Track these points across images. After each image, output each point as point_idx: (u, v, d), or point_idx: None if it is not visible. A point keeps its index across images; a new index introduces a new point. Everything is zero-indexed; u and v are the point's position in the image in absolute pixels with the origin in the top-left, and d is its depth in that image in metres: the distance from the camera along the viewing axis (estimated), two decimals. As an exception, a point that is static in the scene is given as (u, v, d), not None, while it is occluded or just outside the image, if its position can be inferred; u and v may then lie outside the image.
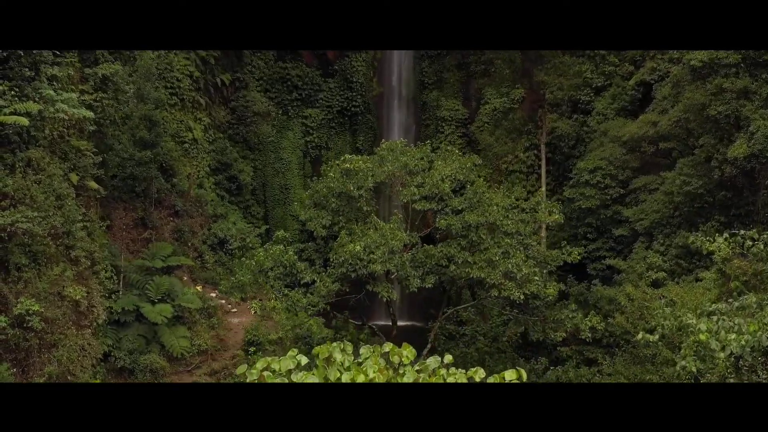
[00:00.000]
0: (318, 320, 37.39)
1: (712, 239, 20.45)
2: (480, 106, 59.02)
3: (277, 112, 59.83)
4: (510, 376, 9.28)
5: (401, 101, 62.85)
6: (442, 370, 9.01)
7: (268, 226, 55.83)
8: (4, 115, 29.02)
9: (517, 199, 33.86)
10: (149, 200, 43.30)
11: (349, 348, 8.90)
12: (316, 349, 9.17)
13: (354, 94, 61.17)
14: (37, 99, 30.54)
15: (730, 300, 19.39)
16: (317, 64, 61.70)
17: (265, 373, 9.50)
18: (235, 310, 43.10)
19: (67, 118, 32.11)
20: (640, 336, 17.66)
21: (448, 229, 29.94)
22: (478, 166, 36.49)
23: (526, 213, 32.34)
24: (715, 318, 15.64)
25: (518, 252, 29.73)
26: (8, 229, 28.78)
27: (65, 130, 33.85)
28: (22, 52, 30.14)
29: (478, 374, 9.05)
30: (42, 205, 30.40)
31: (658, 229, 39.83)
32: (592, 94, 52.19)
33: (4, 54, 29.70)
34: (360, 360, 9.06)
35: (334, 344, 8.78)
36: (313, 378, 8.90)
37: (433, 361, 8.98)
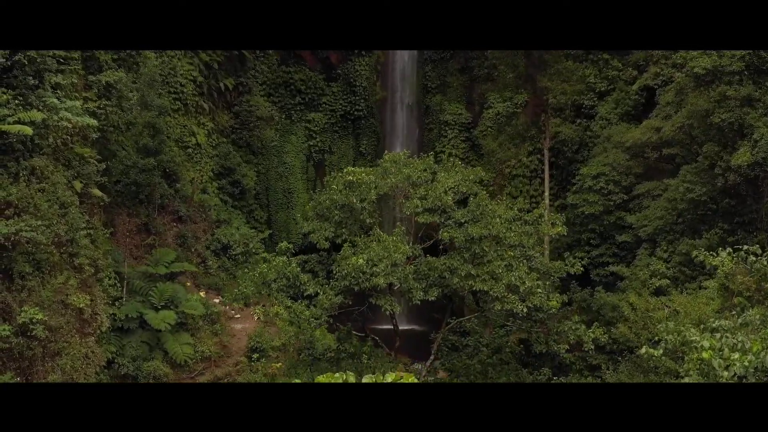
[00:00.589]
0: (322, 328, 37.47)
1: (715, 254, 20.43)
2: (483, 111, 58.96)
3: (281, 117, 59.88)
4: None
5: (404, 105, 62.85)
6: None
7: (271, 231, 55.91)
8: (8, 124, 29.08)
9: (520, 211, 33.81)
10: (152, 206, 43.38)
11: (352, 378, 8.91)
12: (319, 378, 9.18)
13: (357, 98, 61.19)
14: (40, 107, 30.59)
15: (734, 312, 19.41)
16: (320, 68, 61.72)
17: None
18: (238, 315, 43.16)
19: (70, 126, 32.16)
20: (643, 350, 17.67)
21: (452, 241, 29.92)
22: (481, 167, 36.46)
23: (529, 225, 32.33)
24: (718, 335, 15.63)
25: (521, 264, 29.72)
26: (12, 238, 28.83)
27: (69, 137, 33.90)
28: (26, 61, 30.19)
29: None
30: (46, 214, 30.46)
31: (661, 236, 39.78)
32: (595, 99, 52.13)
33: (8, 63, 29.74)
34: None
35: (337, 375, 8.79)
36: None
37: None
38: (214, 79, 54.29)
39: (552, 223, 32.67)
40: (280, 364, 37.93)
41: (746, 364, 13.70)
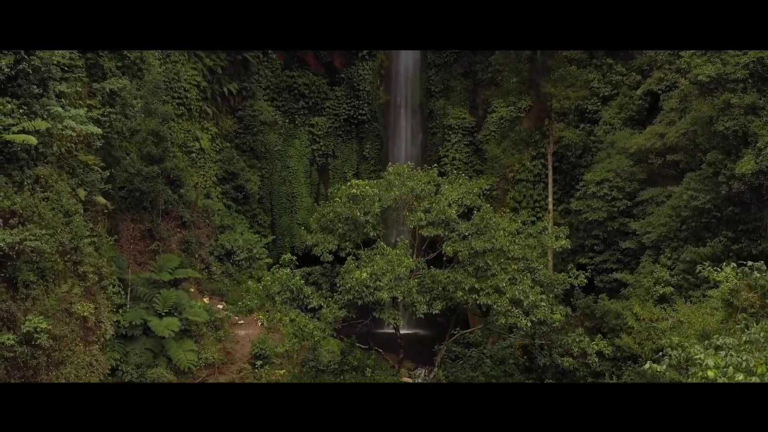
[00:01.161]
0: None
1: (719, 268, 20.39)
2: (487, 115, 58.97)
3: (284, 121, 59.96)
4: None
5: (408, 109, 62.88)
6: None
7: (275, 236, 55.98)
8: (13, 133, 29.14)
9: (524, 223, 33.80)
10: (156, 212, 43.43)
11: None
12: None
13: (361, 102, 61.25)
14: (45, 116, 30.63)
15: (738, 326, 19.38)
16: (324, 72, 61.81)
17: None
18: (242, 321, 43.18)
19: (74, 134, 32.22)
20: (647, 366, 17.66)
21: (455, 254, 29.95)
22: (484, 178, 36.47)
23: (533, 238, 32.32)
24: (723, 353, 15.62)
25: (525, 278, 29.74)
26: (16, 247, 28.87)
27: (73, 145, 33.97)
28: (30, 69, 30.22)
29: None
30: (50, 222, 30.50)
31: (665, 243, 39.73)
32: (599, 104, 52.11)
33: (13, 72, 29.79)
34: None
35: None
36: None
37: None
38: (218, 83, 54.38)
39: (556, 236, 32.65)
40: (283, 371, 37.96)
41: (751, 385, 13.68)
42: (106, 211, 36.85)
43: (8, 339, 28.53)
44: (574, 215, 46.91)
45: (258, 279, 46.67)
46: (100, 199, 35.54)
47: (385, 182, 31.49)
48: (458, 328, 35.75)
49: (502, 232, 30.10)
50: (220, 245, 47.75)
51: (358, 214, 29.90)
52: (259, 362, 39.01)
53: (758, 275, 18.45)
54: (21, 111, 29.82)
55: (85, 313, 31.65)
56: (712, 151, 36.69)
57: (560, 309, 30.95)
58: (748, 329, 17.24)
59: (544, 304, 29.25)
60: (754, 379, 13.88)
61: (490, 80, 57.56)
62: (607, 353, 31.46)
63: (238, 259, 47.61)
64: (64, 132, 31.33)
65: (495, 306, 28.70)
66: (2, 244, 27.91)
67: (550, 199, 49.06)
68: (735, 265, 19.74)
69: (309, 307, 29.79)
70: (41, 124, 29.90)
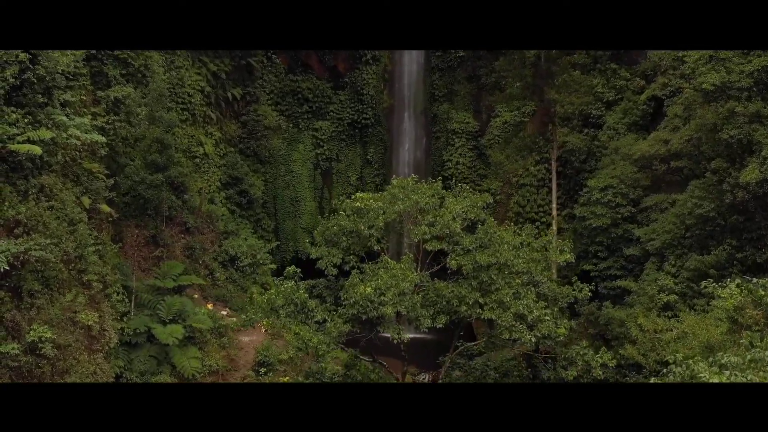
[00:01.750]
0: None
1: (724, 283, 20.36)
2: (491, 119, 58.91)
3: (288, 125, 59.99)
4: None
5: (411, 113, 62.84)
6: None
7: (279, 242, 56.03)
8: (18, 143, 29.20)
9: (528, 236, 33.75)
10: (160, 218, 43.47)
11: None
12: None
13: (364, 106, 61.26)
14: (49, 125, 30.70)
15: (743, 341, 19.34)
16: (328, 76, 61.82)
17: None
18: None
19: (79, 143, 32.29)
20: (651, 381, 17.68)
21: (460, 268, 29.96)
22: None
23: (537, 252, 32.29)
24: (727, 373, 15.63)
25: (529, 292, 29.73)
26: (21, 257, 28.95)
27: (78, 153, 34.04)
28: (35, 79, 30.27)
29: None
30: (55, 232, 30.58)
31: (669, 250, 39.64)
32: (603, 109, 52.05)
33: (18, 82, 29.83)
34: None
35: None
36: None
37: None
38: (222, 88, 54.42)
39: (560, 250, 32.62)
40: (287, 378, 37.99)
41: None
42: (110, 218, 36.90)
43: (13, 348, 28.65)
44: (578, 221, 46.86)
45: (262, 284, 46.81)
46: (105, 207, 35.61)
47: (389, 195, 31.46)
48: (462, 341, 35.75)
49: (506, 246, 30.09)
50: (224, 251, 47.78)
51: (362, 227, 29.91)
52: (262, 369, 39.05)
53: (763, 292, 18.42)
54: (26, 120, 29.90)
55: (90, 322, 31.74)
56: (717, 158, 36.61)
57: (564, 323, 30.91)
58: (753, 347, 17.23)
59: (549, 318, 29.26)
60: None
61: (494, 85, 57.47)
62: (612, 366, 31.45)
63: (242, 264, 47.62)
64: (68, 141, 31.42)
65: (499, 320, 28.70)
66: (7, 255, 27.98)
67: (553, 205, 49.00)
68: (740, 281, 19.71)
69: (314, 320, 29.79)
70: (46, 134, 29.96)
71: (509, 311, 28.75)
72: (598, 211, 44.80)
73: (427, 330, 29.18)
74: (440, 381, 31.87)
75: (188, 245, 45.23)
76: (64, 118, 31.37)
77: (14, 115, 29.65)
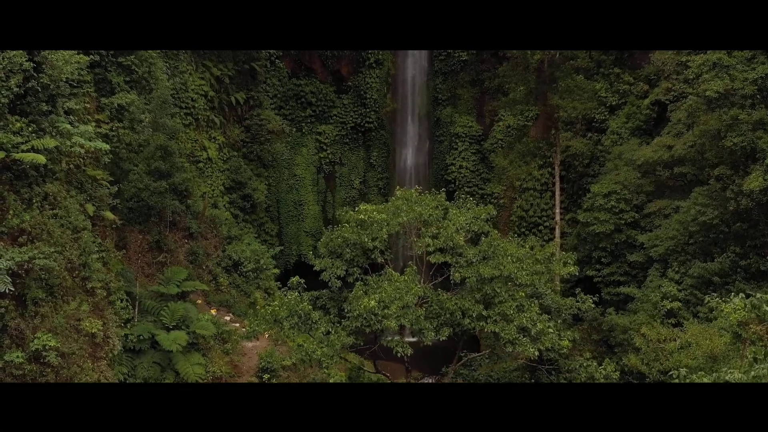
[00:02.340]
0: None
1: (728, 298, 20.35)
2: (494, 123, 58.95)
3: (291, 129, 60.06)
4: None
5: (415, 117, 62.93)
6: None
7: (282, 247, 56.07)
8: (22, 152, 29.23)
9: (531, 248, 33.78)
10: (164, 223, 43.53)
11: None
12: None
13: (368, 110, 61.33)
14: (53, 133, 30.71)
15: (746, 360, 19.34)
16: (331, 80, 61.89)
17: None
18: (249, 332, 43.14)
19: (83, 151, 32.32)
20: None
21: (463, 280, 29.99)
22: (491, 182, 36.48)
23: (541, 264, 32.31)
24: (730, 390, 15.62)
25: (533, 305, 29.76)
26: (25, 266, 28.99)
27: (81, 160, 34.08)
28: (39, 87, 30.31)
29: None
30: (59, 239, 30.59)
31: (672, 257, 39.65)
32: (606, 113, 52.08)
33: (22, 90, 29.87)
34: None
35: None
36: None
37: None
38: (225, 93, 54.49)
39: (564, 263, 32.64)
40: (290, 384, 37.99)
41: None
42: (114, 225, 36.93)
43: (17, 357, 28.64)
44: (581, 227, 46.87)
45: (265, 290, 46.78)
46: (109, 215, 35.61)
47: (393, 207, 31.48)
48: (465, 350, 35.79)
49: (509, 258, 30.10)
50: (227, 256, 47.80)
51: (366, 239, 29.93)
52: (266, 375, 39.04)
53: (767, 309, 18.41)
54: (30, 129, 29.90)
55: (94, 330, 31.72)
56: (720, 165, 36.64)
57: (568, 334, 30.92)
58: (756, 363, 17.23)
59: (552, 331, 29.27)
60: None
61: (497, 89, 57.52)
62: (615, 378, 31.46)
63: (245, 269, 47.64)
64: (72, 149, 31.44)
65: (503, 334, 28.73)
66: (11, 263, 28.02)
67: (557, 209, 49.03)
68: (743, 295, 19.70)
69: (318, 331, 29.80)
70: (50, 142, 29.97)
71: (512, 324, 28.78)
72: (602, 217, 44.83)
73: (431, 343, 29.21)
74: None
75: (192, 250, 45.26)
76: (68, 126, 31.37)
77: (18, 124, 29.64)
